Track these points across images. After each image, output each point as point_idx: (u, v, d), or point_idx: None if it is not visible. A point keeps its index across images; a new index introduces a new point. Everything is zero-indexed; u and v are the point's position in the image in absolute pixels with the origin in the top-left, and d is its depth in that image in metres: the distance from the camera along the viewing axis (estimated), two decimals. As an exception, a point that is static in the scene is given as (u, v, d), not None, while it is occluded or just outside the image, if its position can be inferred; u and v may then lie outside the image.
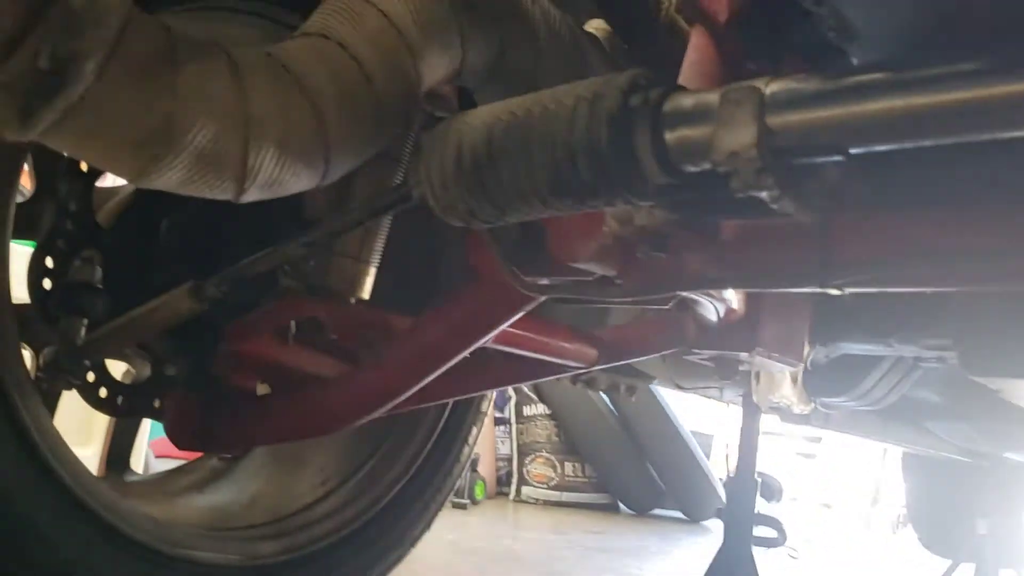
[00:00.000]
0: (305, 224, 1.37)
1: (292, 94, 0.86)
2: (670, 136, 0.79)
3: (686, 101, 0.79)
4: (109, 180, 1.55)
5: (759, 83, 0.76)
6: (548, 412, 5.14)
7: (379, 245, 1.37)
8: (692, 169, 0.80)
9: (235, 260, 1.25)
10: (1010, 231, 0.86)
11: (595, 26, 1.24)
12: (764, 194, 0.77)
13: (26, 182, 1.46)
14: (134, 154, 0.79)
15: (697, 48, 1.05)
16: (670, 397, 4.87)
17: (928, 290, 1.10)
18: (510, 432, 5.17)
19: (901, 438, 2.62)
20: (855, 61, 0.90)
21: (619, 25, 1.21)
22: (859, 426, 2.46)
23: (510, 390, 5.12)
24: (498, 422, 5.21)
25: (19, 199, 1.36)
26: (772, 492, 4.94)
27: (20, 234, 1.41)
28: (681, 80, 1.02)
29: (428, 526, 1.82)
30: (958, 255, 0.87)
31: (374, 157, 1.22)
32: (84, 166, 1.46)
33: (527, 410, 5.17)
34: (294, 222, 1.40)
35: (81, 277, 1.35)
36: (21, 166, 1.24)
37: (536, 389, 5.11)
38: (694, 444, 4.93)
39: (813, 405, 2.07)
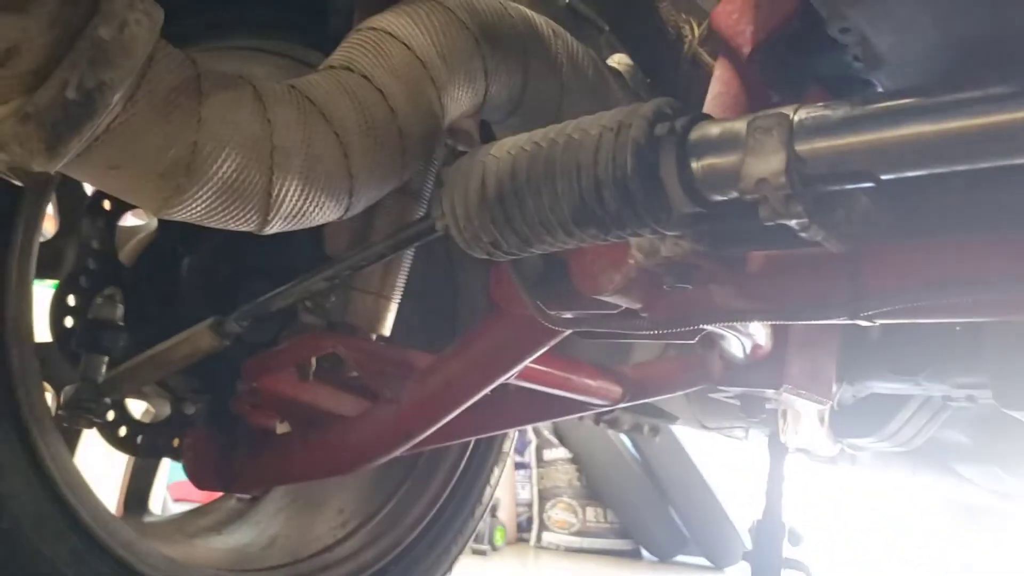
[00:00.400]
0: (326, 261, 1.37)
1: (316, 125, 0.86)
2: (696, 165, 0.78)
3: (713, 129, 0.79)
4: (130, 218, 1.55)
5: (787, 110, 0.75)
6: (569, 456, 5.08)
7: (400, 281, 1.37)
8: (719, 198, 0.79)
9: (256, 297, 1.24)
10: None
11: (617, 61, 1.24)
12: (793, 222, 0.76)
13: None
14: (159, 185, 0.79)
15: (721, 80, 1.05)
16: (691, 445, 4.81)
17: (964, 320, 1.08)
18: (530, 477, 5.10)
19: (929, 481, 2.56)
20: (880, 90, 0.89)
21: (642, 60, 1.21)
22: (886, 468, 2.41)
23: (530, 433, 5.07)
24: (518, 467, 5.15)
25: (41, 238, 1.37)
26: (796, 537, 4.85)
27: (43, 273, 1.42)
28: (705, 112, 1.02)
29: (449, 569, 1.79)
30: (995, 283, 0.84)
31: (395, 193, 1.23)
32: (107, 204, 1.47)
33: (548, 454, 5.11)
34: (315, 260, 1.40)
35: (103, 315, 1.35)
36: (46, 205, 1.25)
37: (557, 433, 5.06)
38: (717, 489, 4.86)
39: (840, 446, 2.03)
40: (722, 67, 1.05)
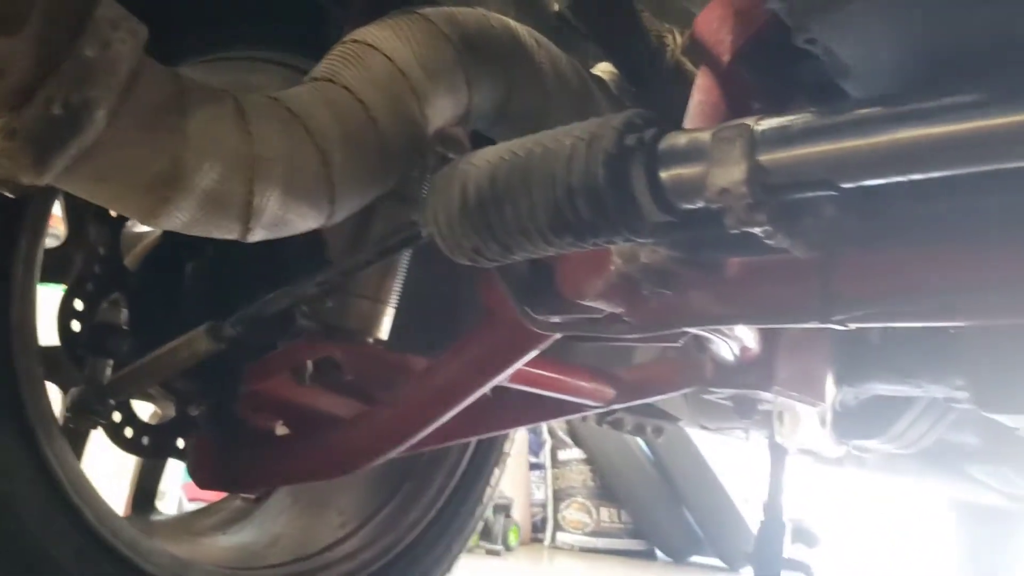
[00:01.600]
0: (325, 265, 1.40)
1: (297, 136, 0.89)
2: (665, 175, 0.80)
3: (680, 140, 0.80)
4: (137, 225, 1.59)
5: (750, 121, 0.77)
6: (584, 457, 5.09)
7: (396, 286, 1.39)
8: (688, 207, 0.81)
9: (255, 301, 1.27)
10: (1017, 264, 0.85)
11: (602, 69, 1.26)
12: (758, 230, 0.78)
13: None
14: (144, 196, 0.82)
15: (702, 89, 1.06)
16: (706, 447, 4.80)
17: (934, 325, 1.09)
18: (545, 477, 5.12)
19: (940, 483, 2.55)
20: (852, 98, 0.90)
21: (625, 68, 1.23)
22: (895, 470, 2.41)
23: (545, 434, 5.09)
24: (533, 467, 5.17)
25: (52, 244, 1.41)
26: (811, 539, 4.83)
27: (53, 277, 1.46)
28: (687, 121, 1.04)
29: (450, 568, 1.82)
30: (962, 289, 0.86)
31: (392, 199, 1.25)
32: (113, 212, 1.50)
33: (562, 455, 5.12)
34: (316, 264, 1.42)
35: (108, 319, 1.39)
36: (49, 212, 1.28)
37: (571, 433, 5.07)
38: (731, 490, 4.85)
39: (846, 448, 2.03)
40: (703, 76, 1.06)
